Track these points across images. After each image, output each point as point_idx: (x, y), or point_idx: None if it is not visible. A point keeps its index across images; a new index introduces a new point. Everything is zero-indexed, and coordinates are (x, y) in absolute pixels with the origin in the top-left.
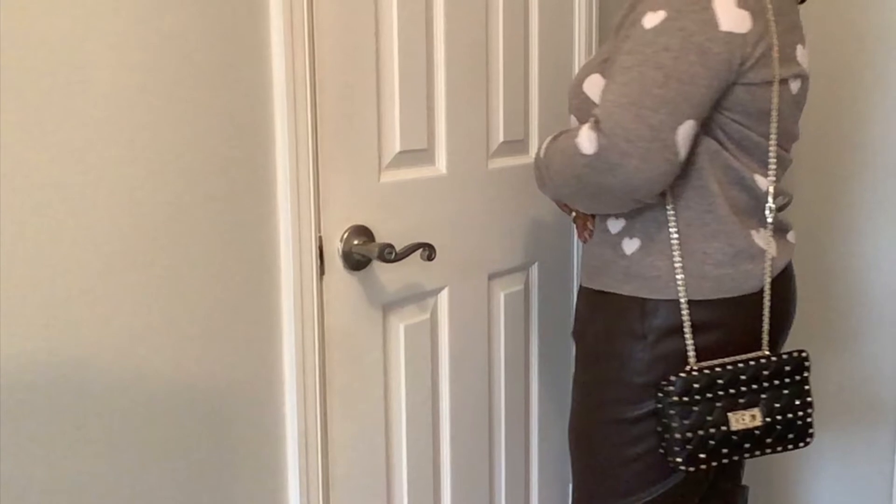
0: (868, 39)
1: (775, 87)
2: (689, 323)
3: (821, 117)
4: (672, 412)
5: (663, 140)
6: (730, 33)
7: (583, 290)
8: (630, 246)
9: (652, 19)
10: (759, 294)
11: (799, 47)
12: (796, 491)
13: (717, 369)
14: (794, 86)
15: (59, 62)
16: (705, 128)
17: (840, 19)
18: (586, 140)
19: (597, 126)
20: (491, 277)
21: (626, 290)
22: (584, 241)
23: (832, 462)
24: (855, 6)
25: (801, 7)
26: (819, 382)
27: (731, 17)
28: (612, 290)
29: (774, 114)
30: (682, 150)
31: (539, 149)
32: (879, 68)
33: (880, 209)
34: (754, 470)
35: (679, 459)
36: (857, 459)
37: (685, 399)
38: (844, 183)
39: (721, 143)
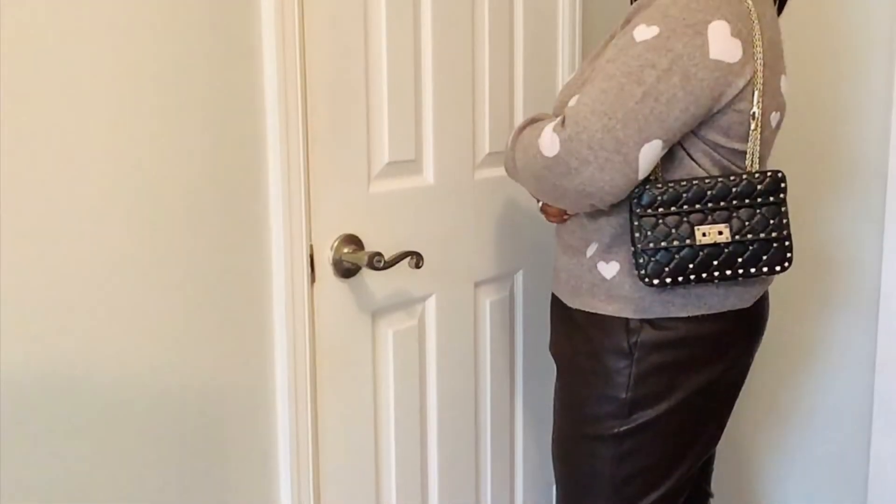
0: (850, 52)
1: (757, 118)
2: (675, 338)
3: (805, 129)
4: (636, 223)
5: (625, 154)
6: (718, 62)
7: (561, 307)
8: (609, 270)
9: (644, 33)
10: (743, 308)
11: (783, 77)
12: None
13: (683, 184)
14: (774, 118)
15: (54, 76)
16: (688, 152)
17: (827, 29)
18: (548, 142)
19: (562, 128)
20: (477, 285)
21: (609, 310)
22: (561, 223)
23: (803, 483)
24: (840, 18)
25: (783, 23)
26: (794, 394)
27: (722, 46)
28: (595, 311)
29: (751, 144)
30: (643, 168)
31: (509, 138)
32: (864, 77)
33: (866, 217)
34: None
35: (643, 272)
36: (827, 480)
37: (650, 211)
38: (830, 192)
39: (704, 169)
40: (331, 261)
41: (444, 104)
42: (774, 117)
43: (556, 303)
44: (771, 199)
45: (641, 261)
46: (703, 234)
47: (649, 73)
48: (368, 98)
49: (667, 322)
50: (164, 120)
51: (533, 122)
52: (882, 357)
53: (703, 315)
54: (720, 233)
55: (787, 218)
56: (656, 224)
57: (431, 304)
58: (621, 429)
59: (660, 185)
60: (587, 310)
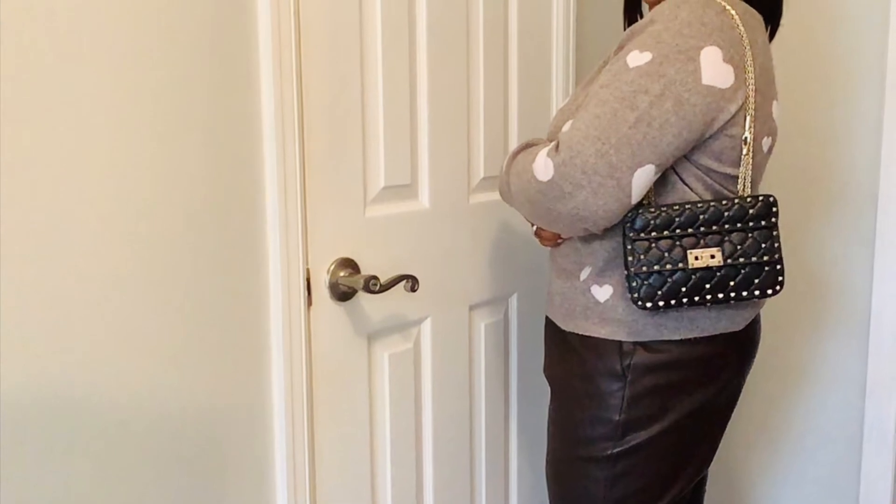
0: (841, 77)
1: (749, 143)
2: (668, 361)
3: (797, 154)
4: (630, 247)
5: (618, 179)
6: (710, 87)
7: (555, 330)
8: (602, 293)
9: (637, 59)
10: (735, 331)
11: (774, 103)
12: None
13: (676, 208)
14: (766, 143)
15: (55, 99)
16: (681, 177)
17: (818, 55)
18: (542, 166)
19: (556, 153)
20: (472, 308)
21: (602, 333)
22: (555, 246)
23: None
24: (831, 45)
25: (774, 50)
26: (786, 416)
27: (715, 71)
28: (588, 334)
29: (743, 169)
30: (636, 193)
31: (503, 163)
32: (854, 102)
33: (857, 240)
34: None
35: (636, 295)
36: (818, 501)
37: (643, 235)
38: (821, 215)
39: (696, 193)
40: (327, 284)
41: (439, 129)
42: (766, 142)
43: (550, 325)
44: (762, 223)
45: (634, 284)
46: (696, 258)
47: (642, 98)
48: (364, 123)
49: (659, 345)
50: (163, 143)
51: (527, 146)
52: (872, 379)
53: (695, 338)
54: (712, 256)
55: (779, 242)
56: (649, 248)
57: (427, 326)
58: (614, 450)
59: (653, 210)
60: (581, 332)
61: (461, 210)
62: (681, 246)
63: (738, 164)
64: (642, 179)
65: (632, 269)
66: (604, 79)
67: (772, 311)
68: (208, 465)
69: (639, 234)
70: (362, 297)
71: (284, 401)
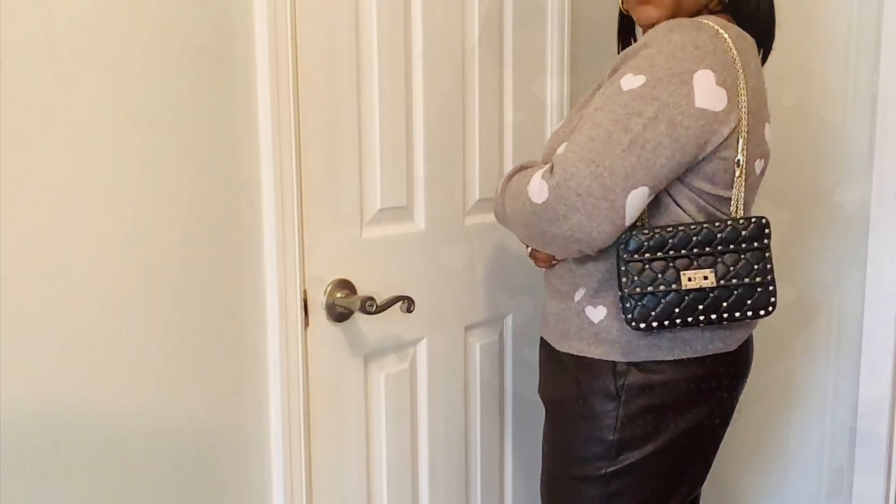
0: (833, 100)
1: (742, 165)
2: (662, 381)
3: (789, 176)
4: (623, 268)
5: (612, 201)
6: (703, 110)
7: (550, 350)
8: (597, 314)
9: (631, 82)
10: (728, 352)
11: (767, 126)
12: None
13: (669, 230)
14: (759, 166)
15: (53, 121)
16: (674, 199)
17: (810, 78)
18: (537, 189)
19: (550, 175)
20: (467, 329)
21: (597, 353)
22: (550, 268)
23: None
24: (823, 67)
25: (766, 73)
26: (778, 436)
27: (708, 95)
28: (583, 354)
29: (736, 191)
30: (630, 215)
31: (498, 185)
32: (846, 125)
33: (849, 262)
34: None
35: (630, 316)
36: None
37: (636, 257)
38: (813, 237)
39: (689, 215)
40: (324, 305)
41: (434, 152)
42: (759, 164)
43: (545, 346)
44: (755, 244)
45: (628, 305)
46: (689, 279)
47: (636, 121)
48: (361, 145)
49: (653, 365)
50: (161, 165)
51: (522, 169)
52: (864, 399)
53: (688, 358)
54: (705, 278)
55: (772, 263)
56: (643, 269)
57: (423, 347)
58: (609, 469)
59: (646, 231)
60: (575, 353)
61: (457, 232)
62: (674, 267)
63: (730, 187)
64: (636, 201)
65: (626, 291)
66: (598, 102)
67: (764, 331)
68: (206, 485)
69: (632, 256)
70: (359, 318)
71: (281, 421)
